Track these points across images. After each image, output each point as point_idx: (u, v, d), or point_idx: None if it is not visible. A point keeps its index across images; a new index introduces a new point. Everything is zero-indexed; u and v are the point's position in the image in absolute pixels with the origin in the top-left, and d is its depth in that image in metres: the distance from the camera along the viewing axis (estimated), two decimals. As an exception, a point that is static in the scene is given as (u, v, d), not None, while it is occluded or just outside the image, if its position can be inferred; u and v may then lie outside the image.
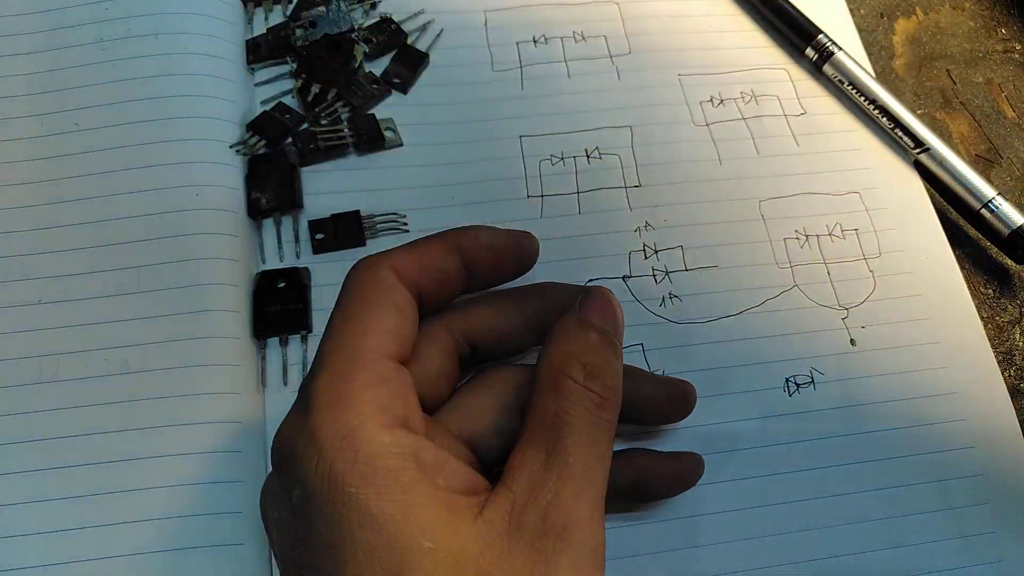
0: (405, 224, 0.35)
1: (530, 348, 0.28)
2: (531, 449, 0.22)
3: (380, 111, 0.38)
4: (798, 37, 0.40)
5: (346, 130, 0.36)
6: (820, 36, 0.39)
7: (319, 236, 0.34)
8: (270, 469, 0.30)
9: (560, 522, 0.21)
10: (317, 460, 0.21)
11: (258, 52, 0.38)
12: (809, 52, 0.40)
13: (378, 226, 0.35)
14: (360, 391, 0.21)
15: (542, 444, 0.22)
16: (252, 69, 0.38)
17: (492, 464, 0.26)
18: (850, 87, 0.39)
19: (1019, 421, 0.33)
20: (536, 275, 0.28)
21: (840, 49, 0.39)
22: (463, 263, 0.26)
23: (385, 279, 0.24)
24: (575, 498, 0.21)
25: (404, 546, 0.19)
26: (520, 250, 0.27)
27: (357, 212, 0.35)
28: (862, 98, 0.38)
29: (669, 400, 0.28)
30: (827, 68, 0.39)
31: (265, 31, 0.39)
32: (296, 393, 0.31)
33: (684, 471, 0.29)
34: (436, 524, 0.20)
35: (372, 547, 0.20)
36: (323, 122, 0.37)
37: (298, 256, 0.34)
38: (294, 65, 0.38)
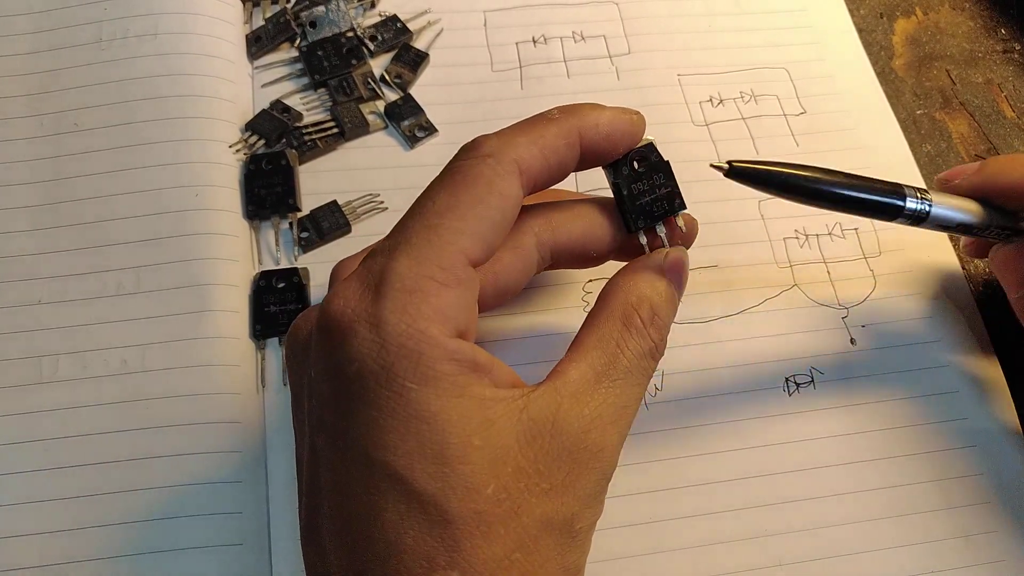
0: (382, 203, 0.35)
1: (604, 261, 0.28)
2: (584, 364, 0.23)
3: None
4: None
5: (331, 121, 0.37)
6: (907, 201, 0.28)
7: (304, 235, 0.35)
8: (270, 469, 0.31)
9: (598, 443, 0.22)
10: (380, 351, 0.21)
11: (260, 43, 0.39)
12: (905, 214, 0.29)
13: (358, 210, 0.35)
14: (436, 291, 0.21)
15: (596, 363, 0.23)
16: (255, 68, 0.38)
17: None
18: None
19: (1019, 421, 0.33)
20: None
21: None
22: (580, 151, 0.25)
23: (503, 180, 0.23)
24: (613, 424, 0.23)
25: (455, 442, 0.20)
26: (631, 134, 0.26)
27: (335, 202, 0.35)
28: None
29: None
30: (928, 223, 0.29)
31: (264, 22, 0.39)
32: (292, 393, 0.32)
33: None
34: (485, 424, 0.21)
35: (424, 439, 0.20)
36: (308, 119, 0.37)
37: (297, 256, 0.34)
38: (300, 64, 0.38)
